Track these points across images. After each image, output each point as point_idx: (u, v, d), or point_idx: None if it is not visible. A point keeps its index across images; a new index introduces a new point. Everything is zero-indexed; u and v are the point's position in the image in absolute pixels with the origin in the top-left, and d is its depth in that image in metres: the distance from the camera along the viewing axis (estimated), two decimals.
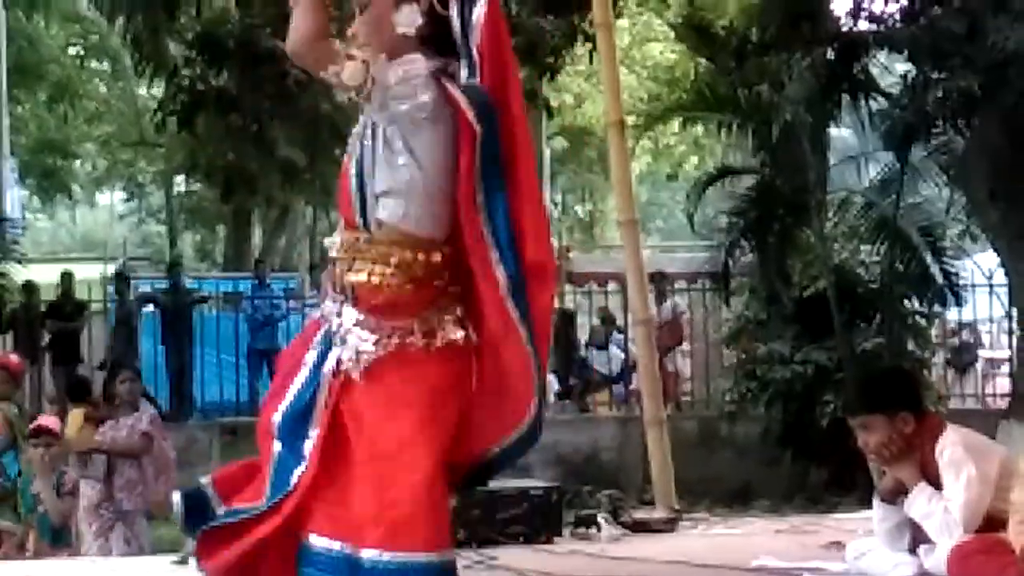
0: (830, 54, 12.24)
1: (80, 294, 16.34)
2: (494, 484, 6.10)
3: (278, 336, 15.70)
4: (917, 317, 13.76)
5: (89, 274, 17.72)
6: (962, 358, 16.41)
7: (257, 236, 25.27)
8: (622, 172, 9.16)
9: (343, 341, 3.48)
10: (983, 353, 17.14)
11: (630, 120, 13.19)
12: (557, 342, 17.39)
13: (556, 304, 18.20)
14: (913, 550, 5.03)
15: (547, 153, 24.49)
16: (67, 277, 16.37)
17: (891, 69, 13.46)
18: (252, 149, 14.95)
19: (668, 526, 7.39)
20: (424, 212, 3.45)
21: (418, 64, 3.45)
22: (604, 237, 31.09)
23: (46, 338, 15.85)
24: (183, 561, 6.69)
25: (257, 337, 15.91)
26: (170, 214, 32.46)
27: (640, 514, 7.66)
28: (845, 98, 12.43)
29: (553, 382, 17.02)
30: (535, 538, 6.66)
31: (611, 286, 17.33)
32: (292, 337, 13.64)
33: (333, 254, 3.57)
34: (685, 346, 16.68)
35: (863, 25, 12.33)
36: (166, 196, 32.75)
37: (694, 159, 27.04)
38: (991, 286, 15.35)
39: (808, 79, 11.86)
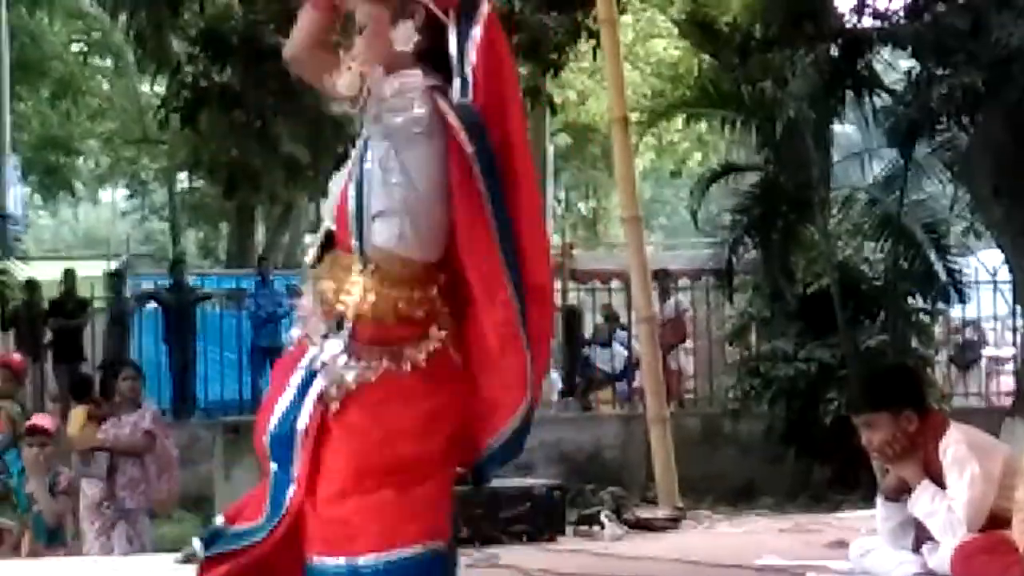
0: (834, 50, 12.26)
1: (82, 292, 16.33)
2: (497, 483, 6.12)
3: (281, 334, 15.64)
4: (921, 314, 13.77)
5: (92, 272, 17.70)
6: (965, 356, 16.44)
7: (260, 233, 25.30)
8: (626, 169, 9.17)
9: (327, 368, 3.45)
10: (987, 351, 17.17)
11: (634, 117, 13.23)
12: (563, 339, 17.48)
13: (562, 301, 18.29)
14: (917, 549, 5.02)
15: (550, 150, 24.53)
16: (69, 275, 16.35)
17: (895, 65, 13.45)
18: (256, 146, 14.94)
19: (671, 524, 7.37)
20: (419, 233, 3.43)
21: (415, 78, 3.43)
22: (607, 234, 31.16)
23: (48, 336, 15.84)
24: (186, 560, 6.71)
25: (260, 335, 15.90)
26: (173, 211, 32.50)
27: (643, 512, 7.64)
28: (849, 94, 12.44)
29: (557, 381, 17.05)
30: (538, 536, 6.65)
31: (614, 283, 17.34)
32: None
33: (324, 277, 3.54)
34: (688, 343, 16.69)
35: (867, 21, 12.36)
36: (169, 193, 32.79)
37: (698, 156, 27.09)
38: (995, 283, 15.38)
39: (812, 75, 11.86)
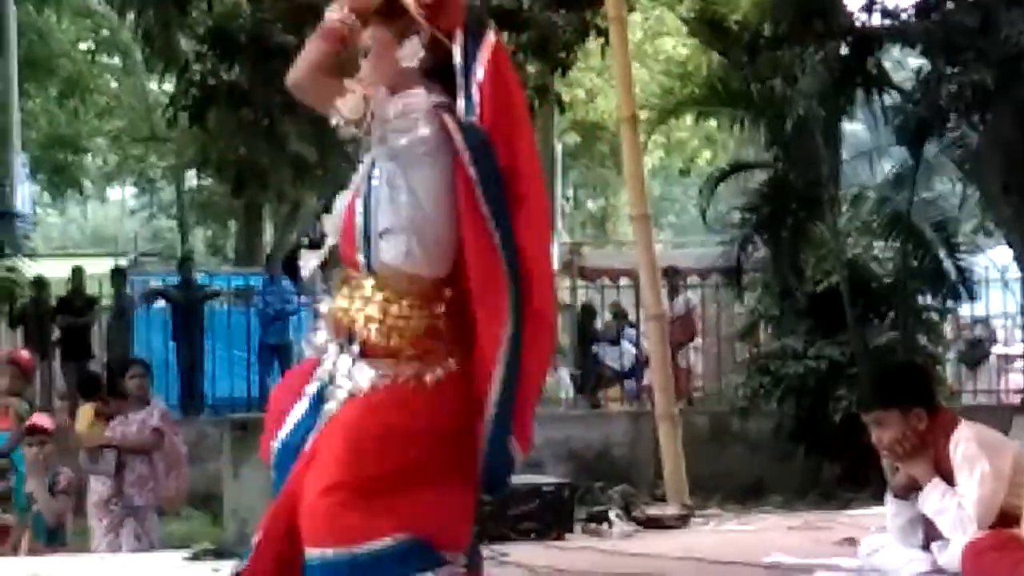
0: (843, 49, 12.31)
1: (90, 289, 16.35)
2: None
3: (289, 331, 15.74)
4: (930, 313, 13.75)
5: (99, 269, 17.69)
6: (974, 353, 16.43)
7: (268, 231, 25.31)
8: (634, 167, 9.21)
9: (337, 385, 3.47)
10: (997, 348, 17.17)
11: (642, 115, 13.20)
12: (577, 338, 17.52)
13: (570, 299, 18.30)
14: (926, 546, 5.04)
15: (559, 148, 24.56)
16: (77, 272, 16.38)
17: (904, 64, 13.51)
18: (263, 144, 14.96)
19: (680, 522, 7.44)
20: (426, 250, 3.44)
21: (418, 98, 3.45)
22: (616, 232, 31.19)
23: (56, 333, 15.88)
24: (194, 557, 6.72)
25: (268, 332, 15.92)
26: (181, 209, 32.53)
27: (652, 510, 7.71)
28: (858, 93, 12.49)
29: (566, 379, 17.07)
30: (547, 534, 6.70)
31: (623, 281, 17.37)
32: (303, 332, 13.63)
33: (333, 293, 3.57)
34: (697, 341, 16.71)
35: (876, 19, 12.40)
36: (177, 191, 32.83)
37: (707, 154, 27.08)
38: (1005, 281, 15.39)
39: (821, 74, 11.91)
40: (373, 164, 3.49)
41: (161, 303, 16.65)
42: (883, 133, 13.32)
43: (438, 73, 3.50)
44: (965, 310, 15.96)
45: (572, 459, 13.31)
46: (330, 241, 3.61)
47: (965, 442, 4.84)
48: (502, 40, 3.61)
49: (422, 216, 3.43)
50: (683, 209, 39.89)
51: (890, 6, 12.30)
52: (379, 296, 3.46)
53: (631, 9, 14.29)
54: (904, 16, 12.29)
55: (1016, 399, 14.55)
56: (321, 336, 3.59)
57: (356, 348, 3.46)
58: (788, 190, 12.46)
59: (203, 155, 19.54)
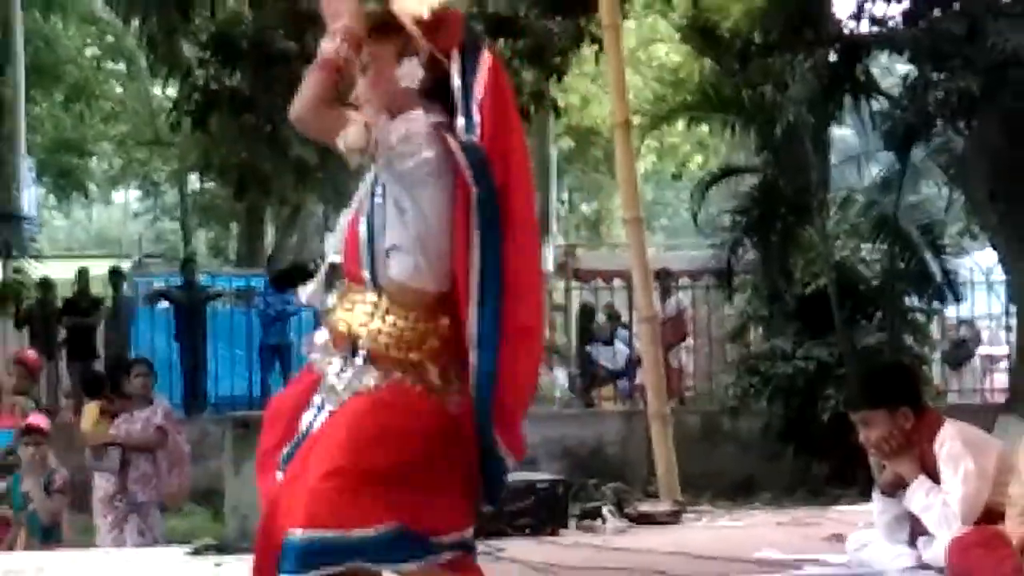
0: (832, 56, 12.36)
1: (95, 290, 16.43)
2: None
3: (290, 331, 15.78)
4: (917, 314, 13.75)
5: (104, 271, 17.80)
6: (957, 354, 16.50)
7: (269, 234, 25.32)
8: (627, 171, 9.31)
9: (342, 390, 3.48)
10: (982, 349, 17.22)
11: (636, 120, 13.26)
12: (577, 339, 17.59)
13: (570, 301, 18.43)
14: (912, 542, 5.13)
15: (554, 153, 24.51)
16: (83, 274, 16.45)
17: (892, 70, 13.59)
18: (265, 148, 14.96)
19: (672, 518, 7.55)
20: (431, 265, 3.46)
21: (419, 121, 3.45)
22: (610, 235, 31.11)
23: (62, 334, 15.95)
24: (196, 552, 6.90)
25: (269, 332, 15.99)
26: (184, 212, 32.53)
27: (645, 507, 7.82)
28: (847, 99, 12.55)
29: (561, 379, 17.20)
30: (541, 530, 6.78)
31: (616, 283, 17.36)
32: (303, 332, 13.70)
33: (336, 308, 3.56)
34: (689, 342, 16.73)
35: (865, 27, 12.49)
36: (180, 194, 32.83)
37: (698, 158, 27.04)
38: (990, 283, 15.46)
39: (811, 80, 11.97)
40: (375, 182, 3.48)
41: (164, 304, 16.72)
42: (871, 138, 13.34)
43: (436, 93, 3.48)
44: (951, 311, 16.00)
45: (566, 456, 13.29)
46: (333, 259, 3.62)
47: (950, 441, 4.90)
48: (498, 56, 3.62)
49: (427, 232, 3.42)
50: (675, 212, 39.78)
51: (878, 14, 12.41)
52: (385, 310, 3.45)
53: (625, 16, 14.26)
54: (892, 24, 12.35)
55: (1000, 398, 14.58)
56: (323, 350, 3.57)
57: (361, 358, 3.46)
58: (778, 194, 12.49)
59: (206, 159, 19.65)
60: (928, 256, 12.64)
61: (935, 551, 4.93)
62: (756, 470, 13.19)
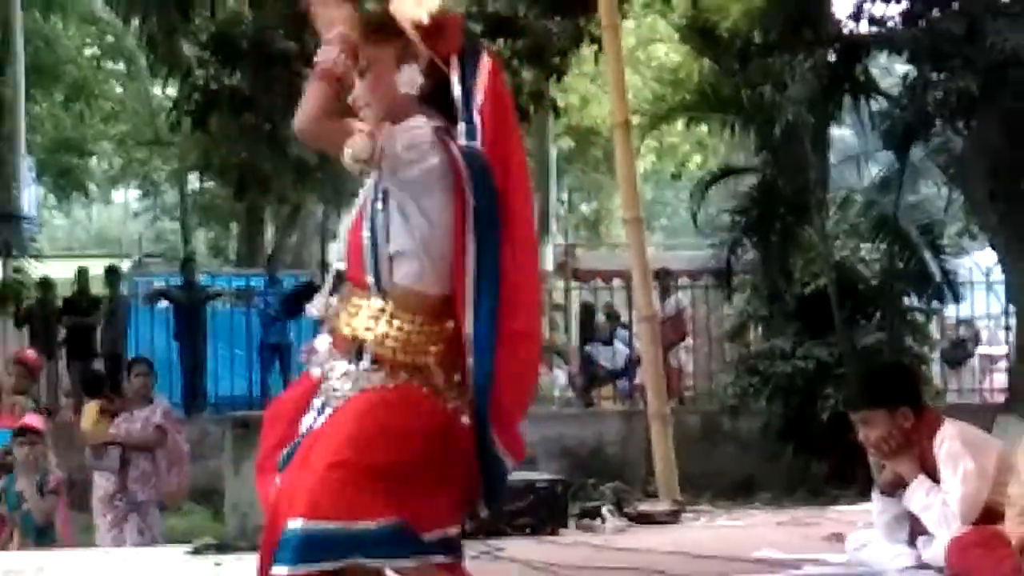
0: (831, 56, 12.38)
1: (95, 290, 16.43)
2: None
3: (289, 331, 15.81)
4: (916, 314, 13.75)
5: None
6: (955, 353, 16.51)
7: (269, 233, 25.38)
8: (627, 171, 9.35)
9: (345, 391, 3.48)
10: (981, 349, 17.26)
11: (635, 120, 13.28)
12: (579, 339, 17.60)
13: (569, 301, 18.45)
14: (912, 542, 5.16)
15: (554, 153, 24.53)
16: (83, 273, 16.49)
17: (891, 70, 13.59)
18: (265, 148, 14.95)
19: (671, 518, 7.62)
20: (436, 269, 3.47)
21: (423, 129, 3.45)
22: (609, 235, 31.15)
23: (62, 333, 15.98)
24: (196, 551, 6.92)
25: (269, 332, 16.02)
26: (184, 211, 32.55)
27: (644, 506, 7.89)
28: (846, 99, 12.56)
29: (561, 378, 17.22)
30: (541, 529, 6.83)
31: (616, 283, 17.44)
32: (303, 332, 13.66)
33: (339, 312, 3.55)
34: (688, 342, 16.73)
35: (864, 27, 12.48)
36: (180, 194, 32.84)
37: (698, 158, 27.03)
38: (989, 283, 15.46)
39: (810, 80, 11.98)
40: (376, 188, 3.48)
41: (164, 303, 16.75)
42: (870, 138, 13.32)
43: (435, 98, 3.48)
44: (950, 311, 16.00)
45: (566, 456, 13.28)
46: (339, 266, 3.62)
47: (950, 440, 4.93)
48: (496, 61, 3.61)
49: (431, 236, 3.43)
50: (674, 212, 39.80)
51: (877, 14, 12.40)
52: (391, 314, 3.45)
53: (624, 16, 14.26)
54: (891, 24, 12.35)
55: (999, 398, 14.61)
56: (324, 356, 3.57)
57: (366, 361, 3.47)
58: (777, 194, 12.49)
59: (206, 159, 19.66)
60: (927, 256, 12.64)
61: (934, 551, 4.95)
62: (756, 470, 13.18)
